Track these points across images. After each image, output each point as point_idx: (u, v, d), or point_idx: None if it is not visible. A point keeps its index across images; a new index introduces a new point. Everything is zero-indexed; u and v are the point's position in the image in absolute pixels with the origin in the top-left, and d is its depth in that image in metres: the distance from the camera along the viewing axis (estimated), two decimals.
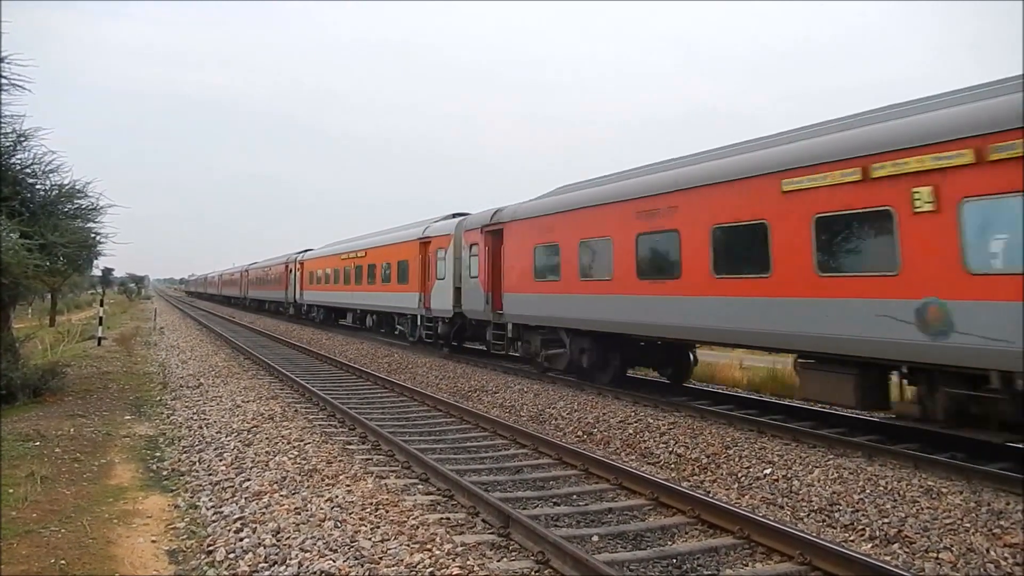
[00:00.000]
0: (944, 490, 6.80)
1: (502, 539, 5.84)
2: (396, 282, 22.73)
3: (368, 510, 6.13)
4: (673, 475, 8.28)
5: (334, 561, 5.00)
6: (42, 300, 35.16)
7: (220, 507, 6.36)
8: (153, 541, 5.75)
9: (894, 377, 8.47)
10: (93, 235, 13.61)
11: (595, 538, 6.01)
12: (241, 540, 5.48)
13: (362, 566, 4.93)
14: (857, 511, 6.63)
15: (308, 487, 6.82)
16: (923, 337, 7.31)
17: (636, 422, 10.28)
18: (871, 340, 7.83)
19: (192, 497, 6.84)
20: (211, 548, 5.44)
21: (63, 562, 5.17)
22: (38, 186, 12.38)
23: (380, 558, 5.07)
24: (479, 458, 8.89)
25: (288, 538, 5.46)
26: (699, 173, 10.46)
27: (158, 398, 12.78)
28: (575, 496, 7.24)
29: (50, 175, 12.44)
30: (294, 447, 8.47)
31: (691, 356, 13.27)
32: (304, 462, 7.75)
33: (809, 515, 6.80)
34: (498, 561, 5.38)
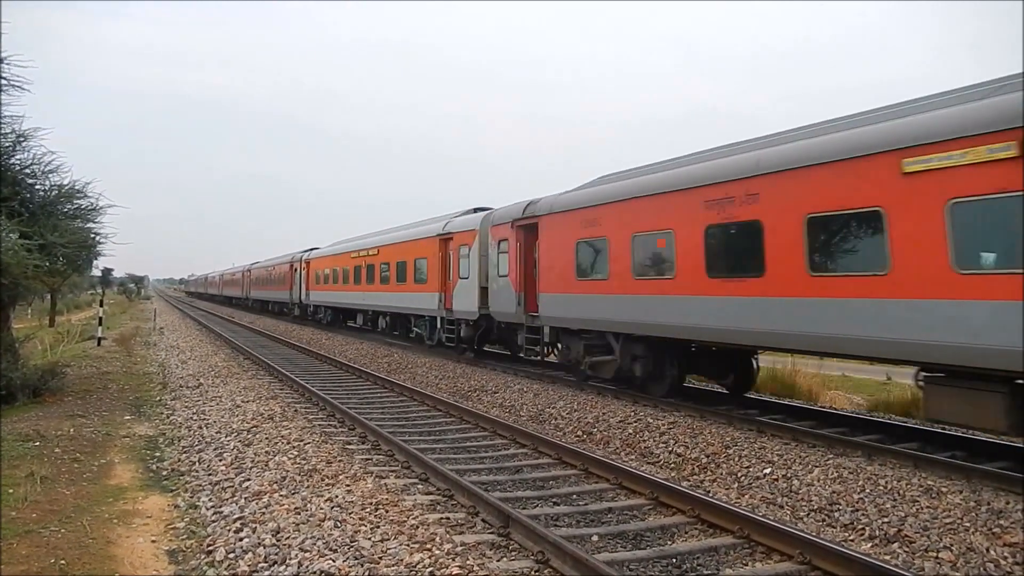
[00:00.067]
0: (944, 489, 6.80)
1: (502, 539, 5.84)
2: (413, 281, 21.27)
3: (368, 510, 6.13)
4: (673, 475, 8.28)
5: (334, 561, 5.00)
6: (42, 300, 35.16)
7: (220, 507, 6.36)
8: (153, 541, 5.75)
9: None
10: (93, 235, 13.62)
11: (595, 538, 6.01)
12: (241, 540, 5.48)
13: (362, 566, 4.93)
14: (857, 510, 6.63)
15: (308, 487, 6.82)
16: None
17: (636, 422, 10.28)
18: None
19: (192, 497, 6.84)
20: (211, 548, 5.44)
21: (63, 562, 5.17)
22: (38, 186, 12.39)
23: (380, 558, 5.07)
24: (479, 458, 8.89)
25: (288, 538, 5.46)
26: (789, 154, 8.98)
27: (158, 398, 12.78)
28: (575, 496, 7.24)
29: (50, 175, 12.47)
30: (294, 447, 8.47)
31: (754, 363, 11.98)
32: (304, 462, 7.75)
33: (809, 514, 6.80)
34: (498, 561, 5.38)
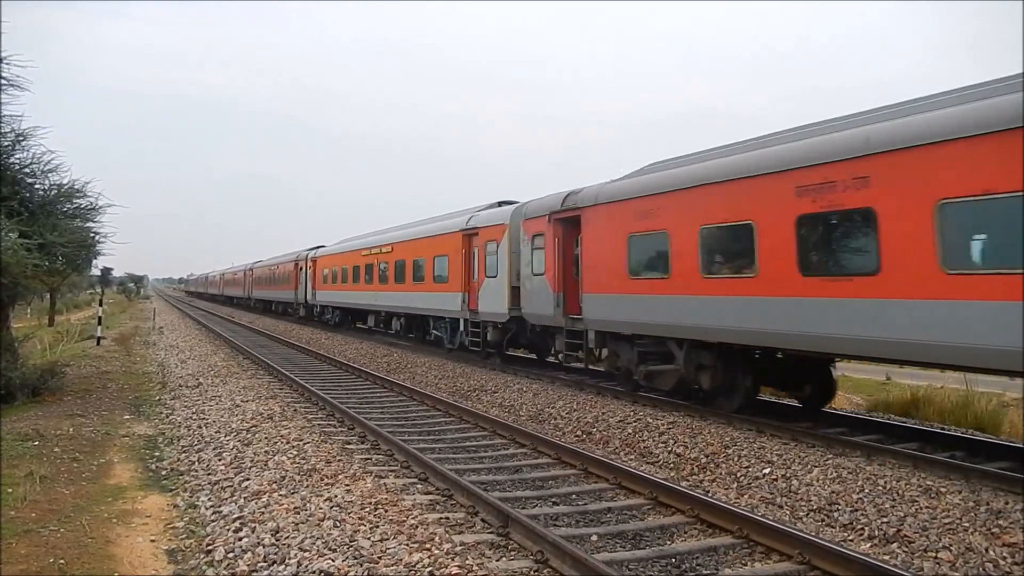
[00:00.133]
0: (943, 489, 6.80)
1: (501, 538, 5.84)
2: (432, 280, 19.73)
3: (367, 509, 6.13)
4: (672, 475, 8.29)
5: (333, 560, 5.00)
6: (41, 300, 35.15)
7: (219, 507, 6.36)
8: (152, 540, 5.75)
9: None
10: (92, 235, 13.63)
11: (594, 537, 6.01)
12: (240, 539, 5.48)
13: (361, 565, 4.93)
14: (856, 510, 6.64)
15: (307, 487, 6.82)
16: None
17: (635, 421, 10.28)
18: None
19: (191, 497, 6.84)
20: (210, 548, 5.44)
21: (62, 561, 5.17)
22: (37, 186, 12.39)
23: (379, 557, 5.06)
24: (478, 457, 8.89)
25: (287, 537, 5.46)
26: (913, 129, 7.55)
27: (157, 398, 12.78)
28: (574, 495, 7.24)
29: (49, 175, 12.47)
30: (293, 447, 8.47)
31: (833, 372, 10.75)
32: (303, 462, 7.75)
33: (808, 514, 6.81)
34: (497, 560, 5.38)
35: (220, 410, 11.05)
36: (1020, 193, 6.45)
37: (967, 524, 6.07)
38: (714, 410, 10.55)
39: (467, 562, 5.00)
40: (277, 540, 5.42)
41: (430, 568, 4.89)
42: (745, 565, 5.52)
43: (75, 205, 12.90)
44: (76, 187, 12.77)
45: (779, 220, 8.88)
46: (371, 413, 11.49)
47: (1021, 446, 8.72)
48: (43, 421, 10.15)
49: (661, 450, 9.09)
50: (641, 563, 5.50)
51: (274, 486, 6.82)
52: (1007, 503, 6.41)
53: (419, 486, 7.44)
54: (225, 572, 5.02)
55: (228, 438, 9.03)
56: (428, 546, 5.26)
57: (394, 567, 4.92)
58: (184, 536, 5.84)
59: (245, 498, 6.50)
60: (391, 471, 8.00)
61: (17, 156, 12.02)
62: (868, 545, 6.04)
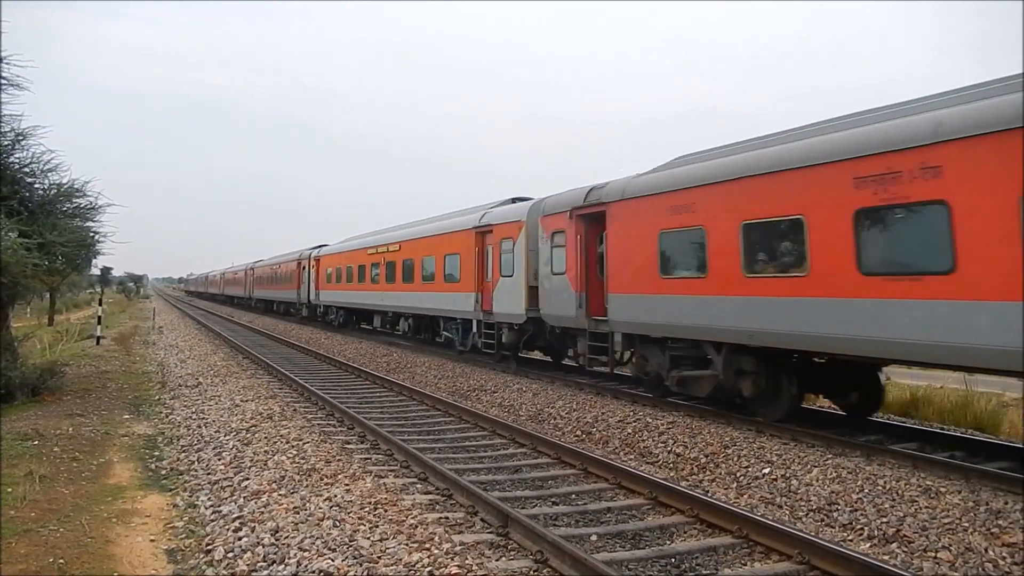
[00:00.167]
0: (943, 489, 6.80)
1: (501, 538, 5.84)
2: (442, 280, 18.98)
3: (367, 509, 6.13)
4: (672, 474, 8.29)
5: (333, 560, 5.00)
6: (40, 299, 35.13)
7: (219, 506, 6.36)
8: (152, 540, 5.75)
9: None
10: (92, 234, 13.62)
11: (594, 537, 6.01)
12: (240, 539, 5.48)
13: (361, 565, 4.93)
14: (856, 510, 6.64)
15: (307, 486, 6.82)
16: None
17: (635, 421, 10.28)
18: None
19: (191, 496, 6.84)
20: (210, 547, 5.44)
21: (62, 561, 5.17)
22: (36, 185, 12.39)
23: (379, 557, 5.07)
24: (478, 457, 8.89)
25: (287, 537, 5.46)
26: (999, 111, 6.80)
27: (157, 397, 12.78)
28: (574, 495, 7.24)
29: (48, 174, 12.47)
30: (293, 446, 8.47)
31: (881, 378, 9.96)
32: (303, 461, 7.75)
33: (808, 514, 6.81)
34: (497, 560, 5.38)
35: (220, 410, 11.05)
36: None
37: (967, 524, 6.08)
38: (714, 412, 10.55)
39: (467, 562, 5.00)
40: (277, 540, 5.42)
41: (429, 568, 4.89)
42: (745, 565, 5.53)
43: (75, 204, 12.91)
44: (76, 186, 12.78)
45: (834, 214, 8.16)
46: (371, 413, 11.49)
47: (1021, 446, 8.72)
48: (43, 421, 10.15)
49: (661, 450, 9.09)
50: (641, 563, 5.50)
51: (274, 486, 6.82)
52: (1007, 503, 6.41)
53: (419, 486, 7.45)
54: (225, 572, 5.02)
55: (228, 438, 9.03)
56: (428, 546, 5.26)
57: (393, 567, 4.92)
58: (184, 536, 5.84)
59: (245, 498, 6.50)
60: (391, 471, 8.00)
61: (17, 155, 12.03)
62: (868, 545, 6.04)
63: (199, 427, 9.86)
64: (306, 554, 5.11)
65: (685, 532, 6.22)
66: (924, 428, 10.04)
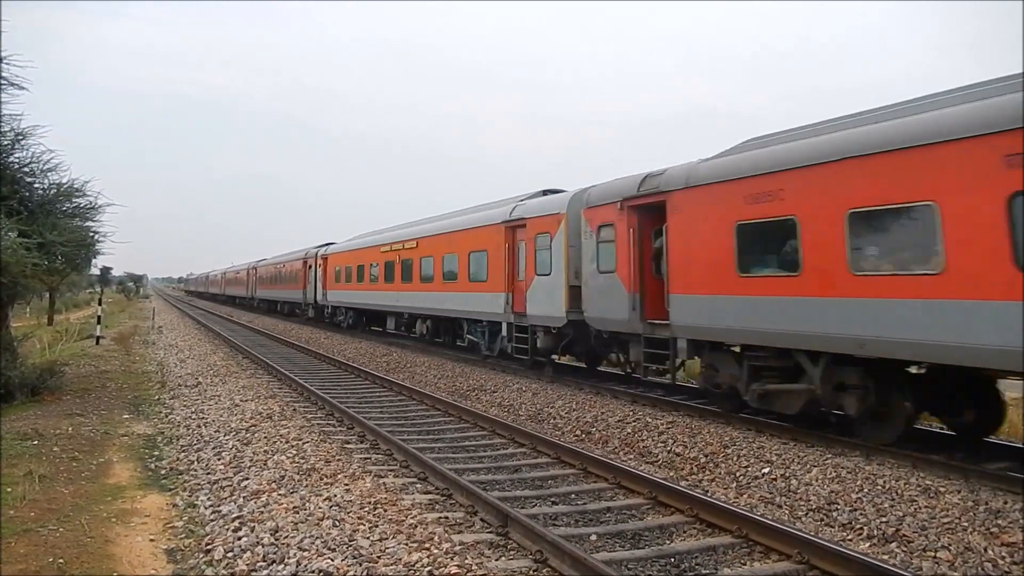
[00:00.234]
0: (942, 489, 6.81)
1: (500, 538, 5.84)
2: (467, 279, 17.66)
3: (366, 509, 6.13)
4: (671, 474, 8.29)
5: (332, 560, 5.00)
6: (40, 299, 35.12)
7: (218, 506, 6.36)
8: (151, 540, 5.75)
9: None
10: (91, 234, 13.62)
11: (593, 537, 6.01)
12: (239, 539, 5.48)
13: (360, 565, 4.93)
14: (855, 510, 6.64)
15: (306, 486, 6.82)
16: None
17: (634, 421, 10.28)
18: None
19: (190, 496, 6.84)
20: (209, 547, 5.44)
21: (61, 561, 5.17)
22: (36, 185, 12.39)
23: (378, 557, 5.07)
24: (477, 457, 8.90)
25: (286, 537, 5.46)
26: None
27: (156, 397, 12.78)
28: (573, 495, 7.24)
29: (48, 174, 12.47)
30: (292, 446, 8.47)
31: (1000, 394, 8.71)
32: (302, 461, 7.75)
33: (807, 514, 6.81)
34: (496, 560, 5.38)
35: (219, 409, 11.05)
36: None
37: (966, 524, 6.08)
38: (713, 412, 10.53)
39: (466, 561, 5.01)
40: (276, 539, 5.42)
41: (429, 567, 4.89)
42: (744, 564, 5.53)
43: (74, 204, 12.91)
44: (75, 186, 12.79)
45: (981, 198, 6.87)
46: (370, 412, 11.49)
47: (1020, 446, 8.73)
48: (42, 420, 10.15)
49: (660, 450, 9.09)
50: (640, 563, 5.50)
51: (273, 485, 6.82)
52: (1006, 503, 6.42)
53: (418, 485, 7.45)
54: (224, 571, 5.02)
55: (227, 437, 9.03)
56: (427, 545, 5.26)
57: (393, 566, 4.92)
58: (183, 535, 5.84)
59: (244, 497, 6.50)
60: (390, 471, 8.00)
61: (16, 155, 12.03)
62: (867, 544, 6.04)
63: (199, 427, 9.86)
64: (306, 554, 5.12)
65: (685, 532, 6.23)
66: (923, 428, 10.02)
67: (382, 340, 24.21)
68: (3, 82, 11.21)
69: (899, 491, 6.83)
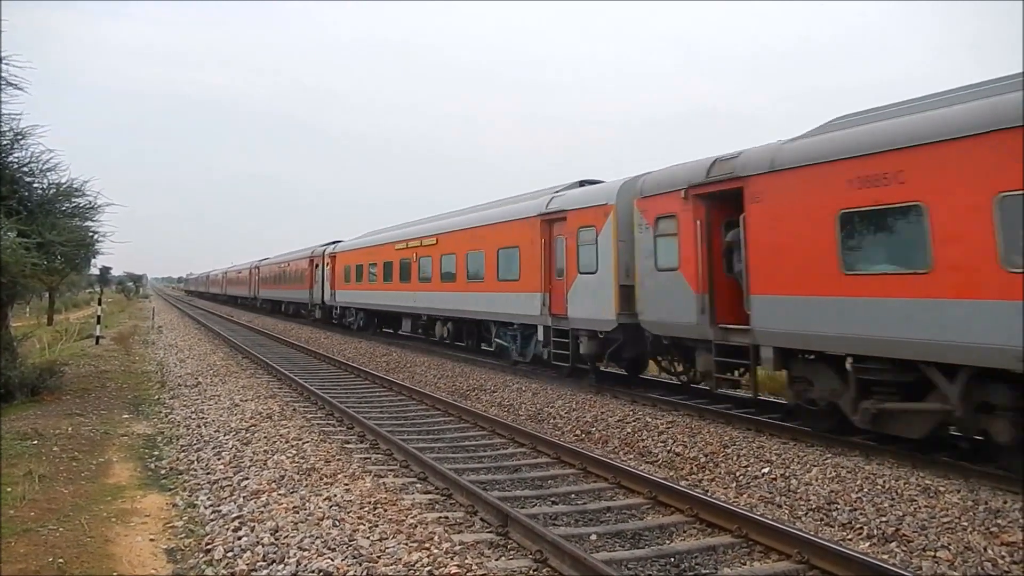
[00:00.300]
0: (942, 489, 6.81)
1: (500, 538, 5.84)
2: (495, 278, 16.28)
3: (366, 509, 6.13)
4: (671, 474, 8.29)
5: (332, 560, 5.00)
6: (40, 299, 35.11)
7: (218, 506, 6.36)
8: (151, 540, 5.75)
9: None
10: (91, 234, 13.62)
11: (593, 537, 6.01)
12: (239, 539, 5.48)
13: (360, 565, 4.94)
14: (855, 510, 6.64)
15: (306, 486, 6.82)
16: None
17: (634, 421, 10.28)
18: None
19: (190, 496, 6.84)
20: (209, 547, 5.44)
21: (61, 561, 5.17)
22: (35, 184, 12.39)
23: (378, 557, 5.07)
24: (477, 457, 8.90)
25: (286, 537, 5.46)
26: None
27: (156, 397, 12.78)
28: (573, 495, 7.24)
29: (47, 173, 12.47)
30: (292, 446, 8.47)
31: None
32: (302, 461, 7.75)
33: (807, 514, 6.81)
34: (496, 560, 5.38)
35: (219, 409, 11.05)
36: None
37: (966, 523, 6.08)
38: (713, 412, 10.53)
39: (466, 561, 5.01)
40: (276, 539, 5.42)
41: (429, 567, 4.89)
42: (744, 564, 5.53)
43: (74, 204, 12.91)
44: (75, 186, 12.79)
45: None
46: (370, 412, 11.49)
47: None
48: (42, 420, 10.14)
49: (660, 449, 9.10)
50: (640, 562, 5.50)
51: (273, 485, 6.82)
52: (1006, 502, 6.42)
53: (418, 485, 7.45)
54: (224, 571, 5.02)
55: (227, 437, 9.03)
56: (427, 545, 5.26)
57: (393, 566, 4.93)
58: (183, 535, 5.84)
59: (244, 497, 6.50)
60: (390, 470, 8.00)
61: (16, 155, 12.02)
62: (867, 544, 6.04)
63: (198, 427, 9.86)
64: (306, 553, 5.12)
65: (684, 531, 6.23)
66: None
67: (382, 340, 24.20)
68: (2, 82, 11.22)
69: (899, 491, 6.84)
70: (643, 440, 9.51)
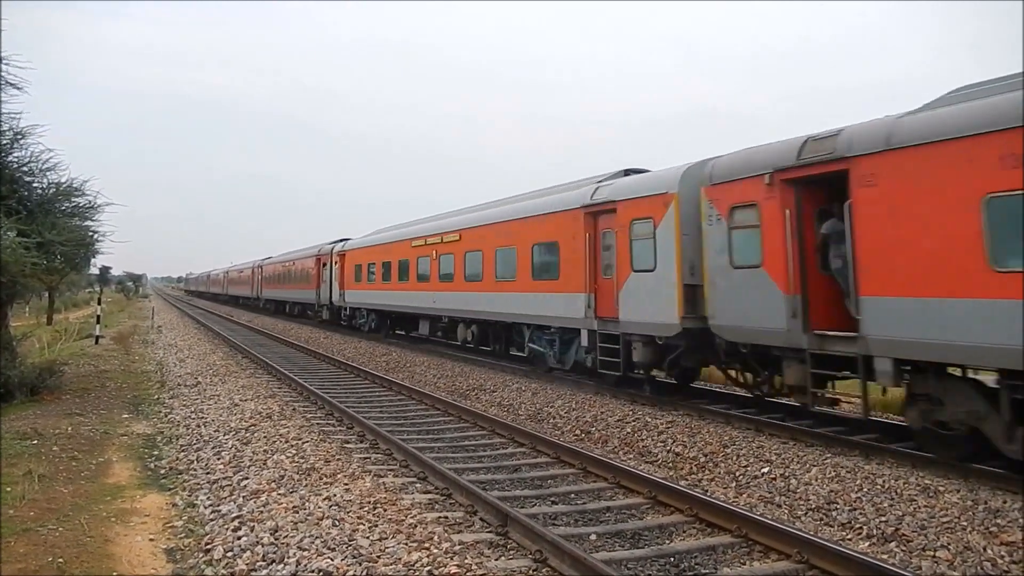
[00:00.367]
0: (941, 488, 6.82)
1: (500, 538, 5.84)
2: (529, 277, 14.88)
3: (366, 509, 6.13)
4: (671, 474, 8.29)
5: (332, 560, 5.00)
6: (39, 298, 35.09)
7: (218, 506, 6.36)
8: (151, 540, 5.75)
9: None
10: (91, 233, 13.61)
11: (593, 537, 6.01)
12: (239, 539, 5.48)
13: (360, 564, 4.94)
14: (854, 509, 6.65)
15: (306, 486, 6.82)
16: None
17: (634, 421, 10.29)
18: None
19: (190, 496, 6.83)
20: (209, 547, 5.44)
21: (61, 560, 5.17)
22: (35, 184, 12.38)
23: (378, 556, 5.07)
24: (477, 457, 8.89)
25: (286, 537, 5.46)
26: None
27: (156, 397, 12.78)
28: (573, 495, 7.24)
29: (47, 173, 12.46)
30: (292, 446, 8.47)
31: None
32: (302, 461, 7.75)
33: (807, 513, 6.82)
34: (496, 560, 5.38)
35: (219, 409, 11.05)
36: None
37: (965, 523, 6.09)
38: (712, 412, 10.53)
39: (466, 561, 5.01)
40: (276, 539, 5.42)
41: (429, 567, 4.89)
42: (743, 564, 5.53)
43: (73, 204, 12.90)
44: (74, 185, 12.78)
45: None
46: (370, 412, 11.48)
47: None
48: (42, 420, 10.14)
49: (660, 449, 9.10)
50: (640, 562, 5.50)
51: (273, 485, 6.83)
52: (1005, 502, 6.43)
53: (418, 485, 7.44)
54: (224, 571, 5.02)
55: (227, 437, 9.03)
56: (427, 545, 5.26)
57: (393, 566, 4.93)
58: (183, 535, 5.84)
59: (244, 497, 6.50)
60: (390, 470, 8.00)
61: (15, 154, 12.02)
62: (866, 544, 6.05)
63: (198, 426, 9.86)
64: (305, 553, 5.12)
65: (684, 531, 6.23)
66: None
67: (381, 340, 24.19)
68: (2, 82, 11.21)
69: (898, 490, 6.84)
70: (643, 440, 9.51)
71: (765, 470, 7.86)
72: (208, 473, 7.49)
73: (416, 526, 5.71)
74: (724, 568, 5.45)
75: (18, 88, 11.29)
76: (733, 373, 11.15)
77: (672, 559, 5.57)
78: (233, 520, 5.89)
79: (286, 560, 5.03)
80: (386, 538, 5.42)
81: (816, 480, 7.38)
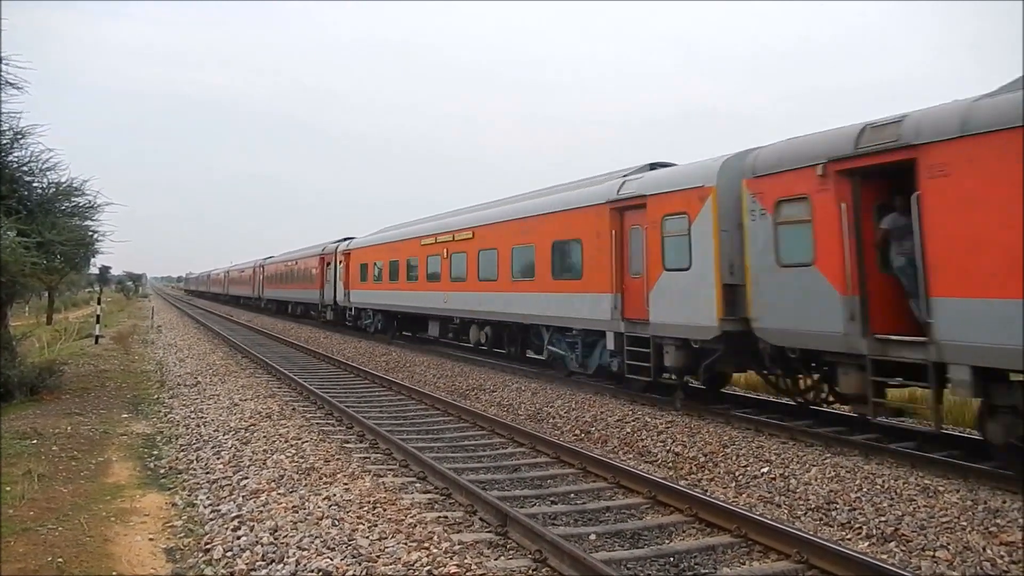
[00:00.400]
0: (941, 488, 6.82)
1: (500, 537, 5.84)
2: (549, 276, 14.13)
3: (366, 508, 6.13)
4: (670, 474, 8.29)
5: (332, 559, 5.00)
6: (39, 298, 35.09)
7: (218, 505, 6.36)
8: (150, 539, 5.75)
9: None
10: (90, 233, 13.61)
11: (593, 536, 6.01)
12: (239, 538, 5.48)
13: (360, 564, 4.94)
14: (854, 509, 6.65)
15: (306, 485, 6.82)
16: None
17: (634, 420, 10.29)
18: None
19: (189, 495, 6.83)
20: (208, 546, 5.44)
21: (60, 560, 5.17)
22: (35, 184, 12.38)
23: (378, 556, 5.07)
24: (477, 457, 8.89)
25: (286, 536, 5.46)
26: None
27: (156, 396, 12.77)
28: (573, 495, 7.24)
29: (47, 173, 12.46)
30: (292, 445, 8.47)
31: None
32: (302, 460, 7.75)
33: (806, 513, 6.82)
34: (496, 559, 5.38)
35: (218, 409, 11.05)
36: None
37: (965, 523, 6.09)
38: (712, 411, 10.51)
39: (466, 561, 5.01)
40: (275, 539, 5.42)
41: (428, 567, 4.89)
42: (743, 564, 5.53)
43: (73, 203, 12.90)
44: (74, 185, 12.78)
45: None
46: (369, 412, 11.48)
47: (1019, 445, 8.72)
48: (41, 419, 10.14)
49: (660, 449, 9.10)
50: (639, 562, 5.50)
51: (272, 485, 6.83)
52: (1005, 502, 6.43)
53: (418, 485, 7.44)
54: (223, 571, 5.02)
55: (226, 437, 9.03)
56: (427, 545, 5.26)
57: (392, 566, 4.93)
58: (182, 535, 5.84)
59: (243, 497, 6.50)
60: (390, 470, 8.00)
61: (15, 154, 12.02)
62: (866, 544, 6.05)
63: (198, 426, 9.86)
64: (305, 553, 5.12)
65: (684, 531, 6.23)
66: (922, 427, 10.04)
67: (381, 340, 24.18)
68: (2, 82, 11.22)
69: (898, 490, 6.84)
70: (643, 440, 9.52)
71: (765, 470, 7.86)
72: (208, 473, 7.49)
73: (416, 526, 5.72)
74: (724, 568, 5.45)
75: (18, 88, 11.30)
76: (774, 379, 10.51)
77: (672, 559, 5.57)
78: (233, 520, 5.89)
79: (286, 560, 5.03)
80: (386, 538, 5.42)
81: (816, 480, 7.38)
